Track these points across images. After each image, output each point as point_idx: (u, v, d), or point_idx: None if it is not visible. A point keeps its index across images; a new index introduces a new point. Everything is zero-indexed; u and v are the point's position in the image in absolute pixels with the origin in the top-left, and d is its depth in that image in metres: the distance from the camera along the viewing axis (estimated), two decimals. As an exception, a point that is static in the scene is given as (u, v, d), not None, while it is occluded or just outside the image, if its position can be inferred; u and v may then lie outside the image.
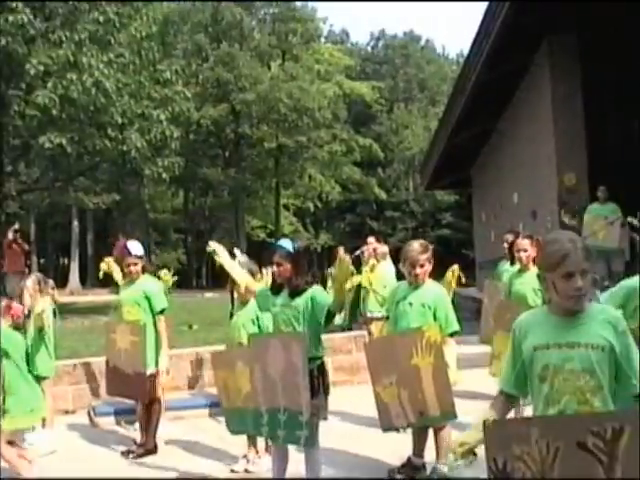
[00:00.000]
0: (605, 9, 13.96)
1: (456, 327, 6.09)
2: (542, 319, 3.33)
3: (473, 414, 3.97)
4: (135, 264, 7.42)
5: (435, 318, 5.96)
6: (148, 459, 7.21)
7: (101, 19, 20.06)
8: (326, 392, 5.55)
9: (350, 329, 12.36)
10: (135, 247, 7.47)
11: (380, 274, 11.45)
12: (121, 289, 7.81)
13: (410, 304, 6.06)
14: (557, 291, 3.22)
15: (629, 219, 13.21)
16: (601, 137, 16.98)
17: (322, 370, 5.55)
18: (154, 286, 7.59)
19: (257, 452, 6.77)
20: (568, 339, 3.23)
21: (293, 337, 5.38)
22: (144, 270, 7.56)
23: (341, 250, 12.21)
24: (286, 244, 5.72)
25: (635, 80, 16.55)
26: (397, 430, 5.91)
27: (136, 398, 7.58)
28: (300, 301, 5.53)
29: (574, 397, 3.20)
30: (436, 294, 6.12)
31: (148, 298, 7.38)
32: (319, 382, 5.45)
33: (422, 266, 6.04)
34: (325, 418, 5.56)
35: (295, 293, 5.58)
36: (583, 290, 3.20)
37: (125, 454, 7.38)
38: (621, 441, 2.84)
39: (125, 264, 7.55)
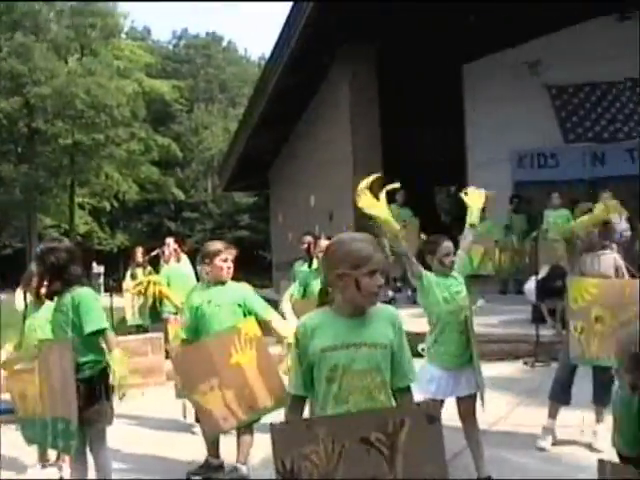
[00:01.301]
0: (403, 19, 14.60)
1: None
2: (329, 320, 3.36)
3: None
4: None
5: (248, 313, 5.97)
6: None
7: None
8: (108, 397, 5.28)
9: (146, 330, 12.19)
10: None
11: (178, 275, 11.37)
12: None
13: (218, 305, 6.02)
14: (360, 288, 3.26)
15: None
16: (395, 140, 17.68)
17: (103, 375, 5.26)
18: None
19: (57, 459, 6.51)
20: (355, 339, 3.30)
21: (60, 343, 5.18)
22: None
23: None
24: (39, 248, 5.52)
25: (426, 87, 17.44)
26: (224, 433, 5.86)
27: None
28: (66, 304, 5.24)
29: (362, 395, 3.28)
30: (244, 290, 6.19)
31: None
32: (100, 388, 5.21)
33: (225, 261, 6.09)
34: (110, 423, 5.35)
35: (53, 296, 5.37)
36: (381, 288, 3.32)
37: None
38: (401, 434, 2.98)
39: None
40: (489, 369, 5.85)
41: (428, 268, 5.56)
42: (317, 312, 3.47)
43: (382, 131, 16.19)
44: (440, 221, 19.58)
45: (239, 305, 6.03)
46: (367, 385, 3.29)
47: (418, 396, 4.12)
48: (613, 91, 17.74)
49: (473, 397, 5.55)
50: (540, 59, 17.35)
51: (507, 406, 7.65)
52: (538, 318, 10.21)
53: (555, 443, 6.39)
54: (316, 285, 7.66)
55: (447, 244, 5.62)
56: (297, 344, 3.39)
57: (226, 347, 5.57)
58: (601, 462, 2.75)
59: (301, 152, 21.55)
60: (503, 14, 15.14)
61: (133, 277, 13.82)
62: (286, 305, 7.85)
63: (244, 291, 6.17)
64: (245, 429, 5.86)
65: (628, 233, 11.89)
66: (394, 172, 16.11)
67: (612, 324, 5.86)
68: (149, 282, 10.05)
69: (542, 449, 6.34)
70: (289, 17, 16.07)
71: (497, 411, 7.29)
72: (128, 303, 13.42)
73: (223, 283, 6.11)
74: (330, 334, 3.32)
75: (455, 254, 5.62)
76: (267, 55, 25.14)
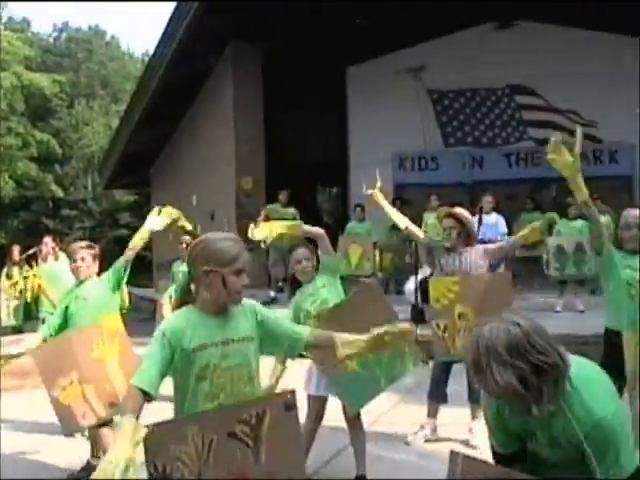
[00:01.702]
0: (289, 19, 14.61)
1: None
2: (196, 319, 3.35)
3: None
4: None
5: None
6: None
7: None
8: None
9: (21, 331, 11.79)
10: None
11: (55, 273, 11.05)
12: None
13: (84, 299, 5.93)
14: (226, 286, 3.30)
15: None
16: (279, 142, 17.68)
17: None
18: None
19: None
20: (224, 336, 3.34)
21: None
22: None
23: None
24: None
25: (311, 88, 17.50)
26: (82, 432, 5.70)
27: None
28: None
29: (232, 390, 3.32)
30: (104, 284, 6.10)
31: None
32: None
33: (83, 259, 6.01)
34: None
35: None
36: (245, 287, 3.37)
37: None
38: (264, 424, 3.05)
39: None
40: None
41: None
42: (182, 311, 3.43)
43: (265, 131, 16.17)
44: (322, 221, 19.65)
45: (104, 301, 5.97)
46: (237, 380, 3.34)
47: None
48: (492, 97, 18.23)
49: None
50: (423, 64, 17.66)
51: (387, 404, 7.69)
52: (417, 317, 10.33)
53: (429, 440, 6.47)
54: None
55: (300, 250, 5.59)
56: (161, 343, 3.31)
57: (87, 342, 5.47)
58: (452, 453, 2.79)
59: (183, 151, 21.30)
60: (388, 18, 15.33)
61: (9, 277, 13.32)
62: (166, 308, 7.72)
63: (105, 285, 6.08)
64: (105, 425, 5.72)
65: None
66: (277, 172, 16.24)
67: (474, 320, 5.99)
68: (27, 277, 9.75)
69: (408, 444, 6.41)
70: (174, 14, 15.84)
71: (377, 409, 7.32)
72: (3, 303, 12.96)
73: (90, 280, 6.06)
74: (199, 333, 3.31)
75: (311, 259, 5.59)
76: (151, 52, 24.79)
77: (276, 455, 3.08)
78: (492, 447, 3.16)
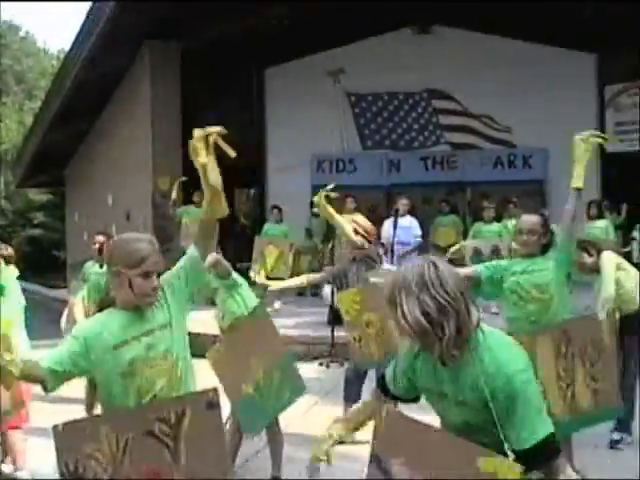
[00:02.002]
0: (208, 19, 14.54)
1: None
2: (114, 319, 3.33)
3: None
4: None
5: None
6: None
7: None
8: None
9: None
10: None
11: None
12: None
13: None
14: (133, 289, 3.27)
15: None
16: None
17: None
18: None
19: None
20: (144, 328, 3.31)
21: None
22: None
23: None
24: None
25: (229, 89, 17.43)
26: None
27: None
28: None
29: (165, 379, 3.29)
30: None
31: None
32: None
33: None
34: None
35: None
36: (158, 289, 3.32)
37: None
38: (183, 423, 3.00)
39: None
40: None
41: None
42: (98, 315, 3.40)
43: (183, 131, 16.03)
44: (240, 223, 19.60)
45: None
46: (168, 369, 3.31)
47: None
48: (410, 101, 18.44)
49: None
50: (342, 67, 17.74)
51: (303, 406, 7.70)
52: (334, 320, 10.37)
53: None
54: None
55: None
56: (77, 345, 3.26)
57: None
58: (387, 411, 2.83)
59: (100, 149, 20.99)
60: (308, 20, 15.37)
61: None
62: (77, 310, 7.58)
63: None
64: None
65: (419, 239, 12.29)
66: (194, 173, 16.06)
67: (381, 324, 6.10)
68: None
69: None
70: (91, 10, 15.58)
71: (293, 412, 7.33)
72: None
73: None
74: (118, 331, 3.29)
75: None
76: (67, 48, 24.35)
77: (198, 455, 3.04)
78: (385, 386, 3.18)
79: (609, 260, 6.33)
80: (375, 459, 2.84)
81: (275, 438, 5.60)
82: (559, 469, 2.64)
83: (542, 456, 2.62)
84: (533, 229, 5.36)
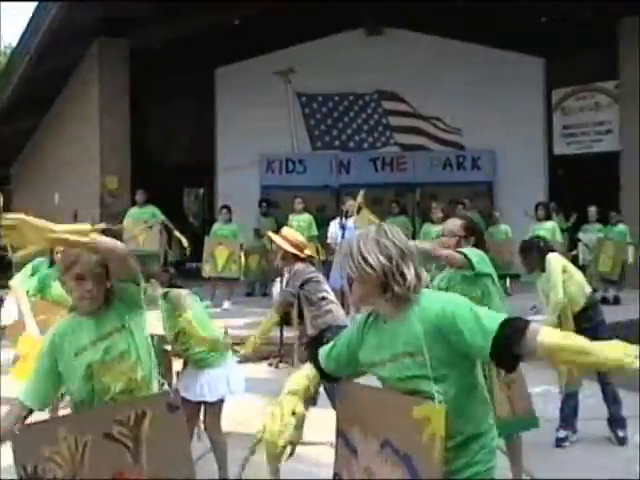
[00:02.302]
0: (158, 18, 14.45)
1: None
2: (74, 324, 3.36)
3: None
4: None
5: None
6: None
7: None
8: None
9: None
10: None
11: None
12: None
13: None
14: (71, 292, 3.29)
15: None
16: (146, 142, 17.43)
17: None
18: None
19: None
20: (101, 332, 3.31)
21: None
22: None
23: None
24: None
25: (179, 89, 17.33)
26: None
27: None
28: None
29: (123, 381, 3.27)
30: None
31: None
32: None
33: None
34: None
35: None
36: (94, 292, 3.27)
37: None
38: (143, 425, 3.02)
39: None
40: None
41: None
42: (64, 319, 3.46)
43: (132, 130, 15.90)
44: (188, 223, 19.51)
45: None
46: (126, 370, 3.29)
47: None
48: (360, 102, 18.49)
49: (217, 403, 5.53)
50: (292, 67, 17.76)
51: (253, 407, 7.68)
52: (282, 321, 10.33)
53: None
54: (57, 285, 7.29)
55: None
56: (45, 352, 3.33)
57: None
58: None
59: (47, 148, 20.69)
60: (259, 20, 15.33)
61: None
62: (23, 302, 7.44)
63: None
64: None
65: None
66: (143, 172, 15.98)
67: None
68: None
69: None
70: (39, 6, 15.36)
71: (244, 412, 7.31)
72: None
73: None
74: (77, 338, 3.31)
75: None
76: (14, 44, 23.97)
77: (159, 456, 3.05)
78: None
79: (556, 263, 6.39)
80: (340, 433, 2.96)
81: (217, 443, 5.58)
82: (536, 330, 2.59)
83: (513, 332, 2.59)
84: (452, 230, 5.37)
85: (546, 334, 2.57)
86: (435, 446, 2.57)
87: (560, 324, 6.12)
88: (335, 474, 3.01)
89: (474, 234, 5.29)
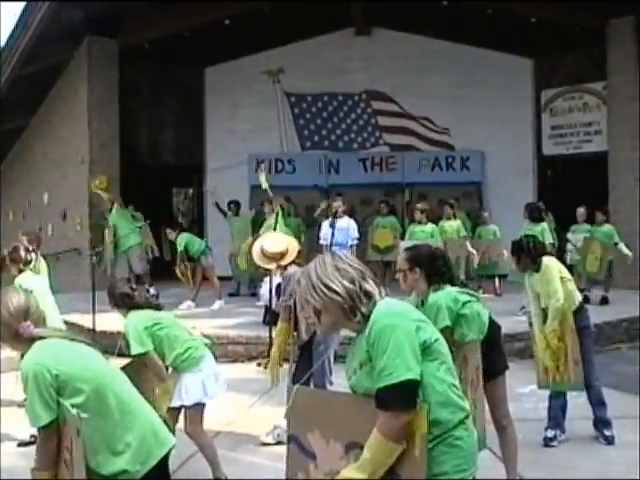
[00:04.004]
0: (146, 18, 14.41)
1: None
2: None
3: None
4: None
5: None
6: None
7: None
8: None
9: None
10: None
11: None
12: None
13: None
14: None
15: None
16: (135, 141, 17.39)
17: None
18: None
19: None
20: None
21: None
22: None
23: None
24: None
25: (168, 88, 17.28)
26: None
27: None
28: None
29: None
30: None
31: None
32: None
33: None
34: None
35: None
36: None
37: None
38: None
39: None
40: (223, 371, 5.83)
41: None
42: None
43: (121, 130, 15.86)
44: (177, 222, 19.50)
45: None
46: None
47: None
48: (349, 102, 18.48)
49: (195, 407, 5.53)
50: (281, 67, 17.76)
51: (241, 407, 7.69)
52: (271, 320, 10.34)
53: (281, 442, 6.49)
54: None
55: None
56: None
57: None
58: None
59: (35, 148, 20.58)
60: (248, 20, 15.31)
61: None
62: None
63: None
64: None
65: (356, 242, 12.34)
66: (132, 172, 15.95)
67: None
68: None
69: (265, 444, 6.43)
70: (27, 5, 15.30)
71: (231, 412, 7.32)
72: None
73: None
74: None
75: None
76: (2, 44, 23.86)
77: None
78: None
79: (554, 268, 6.40)
80: (293, 439, 2.95)
81: (204, 445, 5.58)
82: (383, 422, 2.64)
83: (391, 398, 2.64)
84: (398, 265, 5.31)
85: (372, 436, 2.66)
86: (417, 444, 2.61)
87: (562, 331, 6.17)
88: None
89: (420, 265, 5.12)
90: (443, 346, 2.86)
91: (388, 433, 2.62)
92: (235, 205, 14.94)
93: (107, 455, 3.12)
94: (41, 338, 3.23)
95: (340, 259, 2.88)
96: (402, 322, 2.74)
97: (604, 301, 12.50)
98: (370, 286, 2.84)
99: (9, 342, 3.24)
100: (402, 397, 2.63)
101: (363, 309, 2.80)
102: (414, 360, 2.68)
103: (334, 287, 2.79)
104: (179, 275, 12.89)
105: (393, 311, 2.79)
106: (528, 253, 6.45)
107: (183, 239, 12.87)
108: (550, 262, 6.45)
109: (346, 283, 2.79)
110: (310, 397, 2.99)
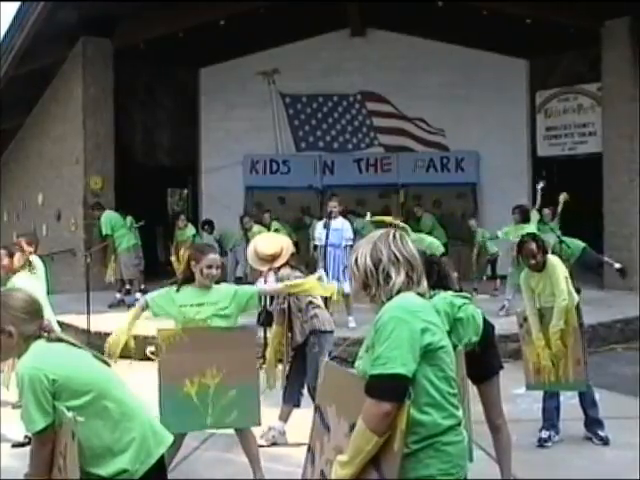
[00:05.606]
0: (141, 18, 14.40)
1: None
2: None
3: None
4: None
5: None
6: None
7: None
8: None
9: None
10: None
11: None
12: None
13: None
14: None
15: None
16: (130, 142, 17.37)
17: None
18: None
19: None
20: None
21: None
22: None
23: None
24: None
25: (163, 89, 17.25)
26: None
27: None
28: None
29: None
30: None
31: None
32: None
33: None
34: None
35: None
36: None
37: None
38: None
39: None
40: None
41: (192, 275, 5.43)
42: None
43: (116, 130, 15.85)
44: (172, 224, 19.52)
45: None
46: None
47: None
48: (344, 103, 18.48)
49: None
50: (276, 68, 17.76)
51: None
52: (266, 321, 10.31)
53: (276, 443, 6.50)
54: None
55: (213, 256, 5.46)
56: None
57: None
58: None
59: (30, 148, 20.61)
60: (243, 20, 15.30)
61: None
62: None
63: None
64: None
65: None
66: (126, 173, 15.93)
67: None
68: None
69: (260, 446, 6.41)
70: (23, 4, 15.28)
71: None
72: None
73: None
74: None
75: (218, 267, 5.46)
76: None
77: None
78: None
79: (560, 269, 6.42)
80: (317, 409, 3.12)
81: (250, 446, 5.53)
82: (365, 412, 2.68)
83: (377, 387, 2.69)
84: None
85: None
86: (396, 439, 2.66)
87: (565, 330, 6.20)
88: (309, 447, 3.15)
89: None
90: (448, 355, 2.87)
91: (367, 419, 2.67)
92: (209, 225, 15.23)
93: (107, 456, 3.13)
94: (40, 339, 3.22)
95: (394, 240, 2.97)
96: (410, 319, 2.77)
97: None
98: (396, 272, 2.90)
99: (15, 340, 3.19)
100: (389, 388, 2.66)
101: (374, 290, 2.92)
102: (411, 358, 2.71)
103: (359, 260, 2.96)
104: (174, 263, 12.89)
105: (406, 306, 2.82)
106: (545, 252, 6.48)
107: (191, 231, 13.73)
108: (556, 261, 6.50)
109: (369, 261, 2.93)
110: (335, 373, 3.13)
